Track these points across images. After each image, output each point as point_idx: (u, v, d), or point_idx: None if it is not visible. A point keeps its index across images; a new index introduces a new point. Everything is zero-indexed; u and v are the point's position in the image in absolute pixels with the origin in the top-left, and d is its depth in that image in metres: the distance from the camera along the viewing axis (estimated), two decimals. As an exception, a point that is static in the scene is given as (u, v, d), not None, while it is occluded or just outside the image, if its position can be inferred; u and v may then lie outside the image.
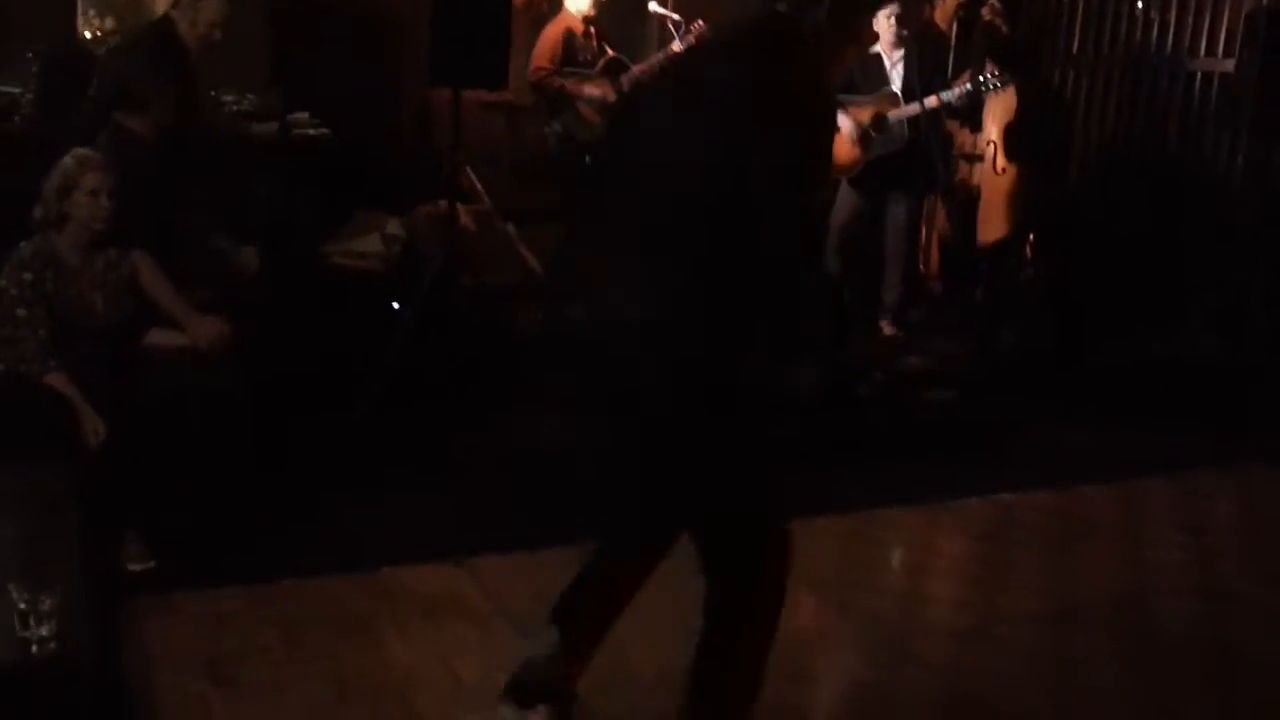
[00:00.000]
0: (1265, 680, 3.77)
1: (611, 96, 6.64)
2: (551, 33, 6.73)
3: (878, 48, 6.60)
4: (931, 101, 6.43)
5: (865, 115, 6.64)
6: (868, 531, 4.72)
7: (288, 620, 3.66)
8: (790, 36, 2.68)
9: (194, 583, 3.80)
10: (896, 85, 6.63)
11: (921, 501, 4.99)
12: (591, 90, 6.64)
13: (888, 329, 6.99)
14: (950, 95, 6.48)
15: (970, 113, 6.96)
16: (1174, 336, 7.12)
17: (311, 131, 6.35)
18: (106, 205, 3.93)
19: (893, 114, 6.56)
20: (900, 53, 6.65)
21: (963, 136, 7.26)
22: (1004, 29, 7.13)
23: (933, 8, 7.30)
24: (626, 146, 2.98)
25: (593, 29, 6.79)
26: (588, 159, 6.67)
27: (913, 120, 6.52)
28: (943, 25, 7.23)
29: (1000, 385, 6.43)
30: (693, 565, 3.96)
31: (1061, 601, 4.20)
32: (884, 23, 6.53)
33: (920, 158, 6.70)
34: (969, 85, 6.49)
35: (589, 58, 6.73)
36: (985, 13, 7.12)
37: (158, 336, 4.22)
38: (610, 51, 6.82)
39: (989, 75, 6.47)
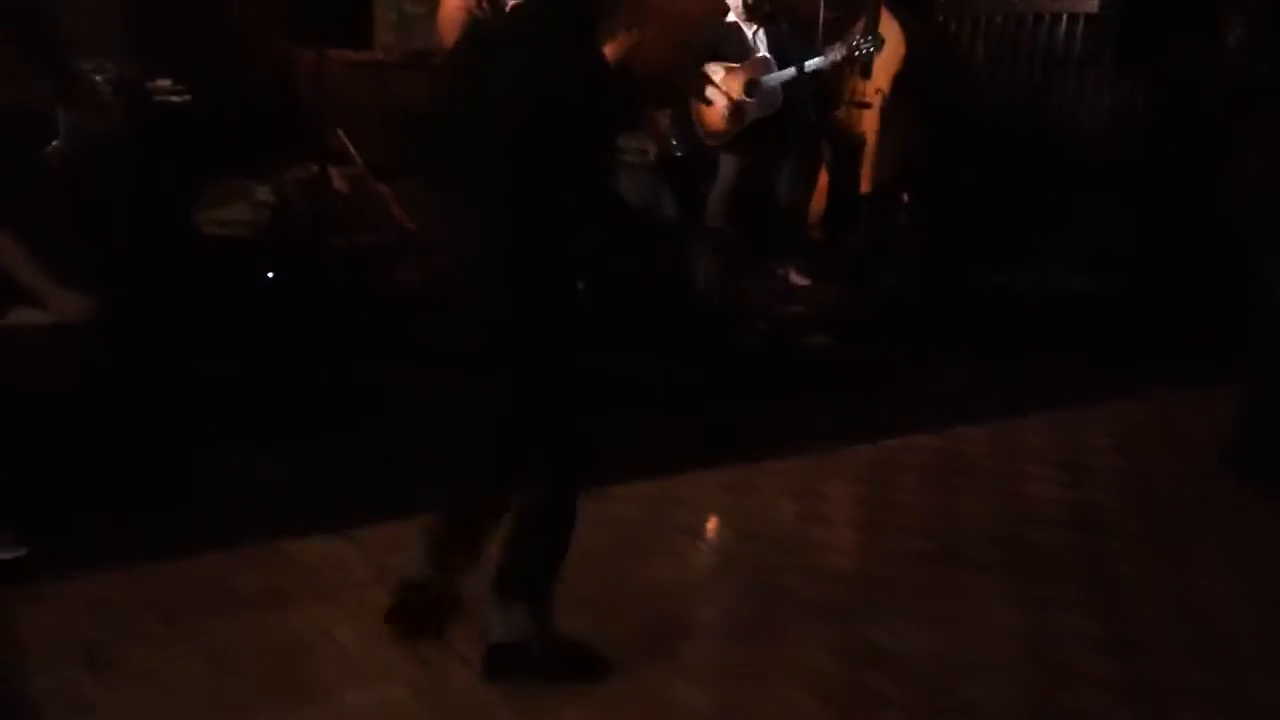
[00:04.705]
0: (1142, 608, 3.89)
1: None
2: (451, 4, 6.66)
3: (733, 17, 6.75)
4: (813, 65, 6.56)
5: (737, 82, 6.74)
6: (753, 480, 4.76)
7: (165, 601, 3.56)
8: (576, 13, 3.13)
9: (65, 568, 3.67)
10: (763, 50, 6.72)
11: (806, 448, 5.05)
12: None
13: (798, 279, 7.10)
14: (826, 60, 6.60)
15: (861, 62, 7.06)
16: (1045, 273, 7.28)
17: (175, 99, 6.15)
18: None
19: (766, 78, 6.67)
20: (755, 26, 6.74)
21: (853, 83, 7.33)
22: None
23: None
24: (446, 99, 3.36)
25: None
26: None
27: (788, 82, 6.64)
28: None
29: (881, 329, 6.53)
30: (579, 541, 3.99)
31: (944, 540, 4.29)
32: (734, 2, 6.68)
33: (797, 117, 6.85)
34: (843, 50, 6.59)
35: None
36: None
37: (22, 314, 4.06)
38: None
39: (861, 40, 6.58)
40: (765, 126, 6.83)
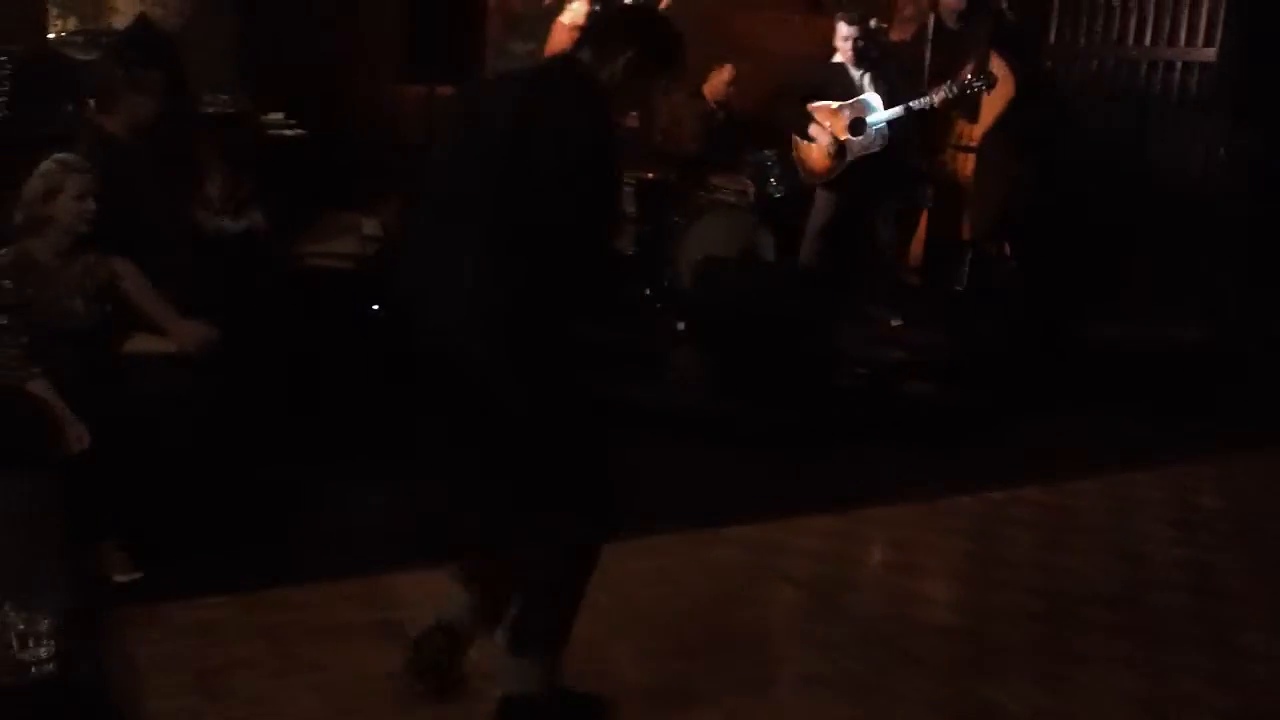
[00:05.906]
0: (1268, 676, 3.74)
1: None
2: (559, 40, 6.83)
3: (839, 58, 6.75)
4: (919, 103, 6.55)
5: (841, 122, 6.73)
6: (854, 528, 4.70)
7: (276, 630, 3.58)
8: (584, 82, 3.00)
9: (179, 592, 3.70)
10: (869, 92, 6.71)
11: (907, 497, 4.97)
12: None
13: (895, 321, 7.08)
14: (933, 98, 6.58)
15: (968, 103, 7.03)
16: (1155, 325, 7.14)
17: (287, 132, 6.26)
18: (91, 209, 3.87)
19: (871, 118, 6.66)
20: (863, 70, 6.74)
21: (960, 127, 7.29)
22: (1010, 15, 7.24)
23: (937, 4, 7.38)
24: (440, 152, 3.20)
25: None
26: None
27: (893, 121, 6.63)
28: (950, 24, 7.30)
29: (983, 377, 6.43)
30: (680, 585, 3.95)
31: (1056, 598, 4.18)
32: (843, 44, 6.66)
33: (900, 159, 6.84)
34: (954, 89, 6.55)
35: None
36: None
37: (142, 342, 4.14)
38: None
39: (972, 78, 6.56)
40: (866, 167, 6.81)
